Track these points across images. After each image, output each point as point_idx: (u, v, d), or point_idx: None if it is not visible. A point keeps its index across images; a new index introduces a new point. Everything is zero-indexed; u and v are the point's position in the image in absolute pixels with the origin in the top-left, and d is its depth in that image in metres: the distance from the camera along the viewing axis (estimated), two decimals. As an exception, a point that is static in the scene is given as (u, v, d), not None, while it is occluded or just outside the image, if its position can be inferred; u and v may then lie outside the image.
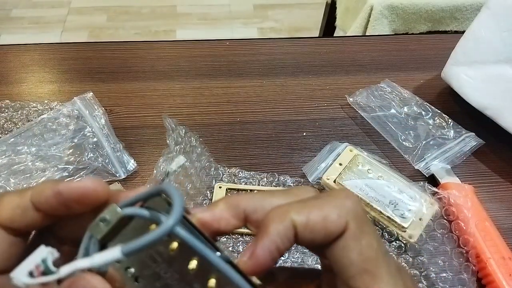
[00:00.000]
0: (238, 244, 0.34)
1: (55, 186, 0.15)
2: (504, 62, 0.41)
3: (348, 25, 0.93)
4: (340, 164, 0.37)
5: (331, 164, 0.37)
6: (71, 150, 0.39)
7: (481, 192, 0.38)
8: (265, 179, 0.39)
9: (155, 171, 0.36)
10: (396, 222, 0.34)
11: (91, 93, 0.43)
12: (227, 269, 0.14)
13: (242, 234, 0.35)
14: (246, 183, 0.38)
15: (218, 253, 0.14)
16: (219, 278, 0.14)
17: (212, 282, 0.14)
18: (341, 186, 0.36)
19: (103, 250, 0.14)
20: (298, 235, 0.15)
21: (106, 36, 1.59)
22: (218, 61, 0.52)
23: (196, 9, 1.74)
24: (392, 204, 0.34)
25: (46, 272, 0.14)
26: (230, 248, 0.34)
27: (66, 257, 0.16)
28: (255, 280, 0.14)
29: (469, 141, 0.41)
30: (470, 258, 0.33)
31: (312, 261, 0.33)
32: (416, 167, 0.40)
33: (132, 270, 0.15)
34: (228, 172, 0.39)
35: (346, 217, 0.15)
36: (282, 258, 0.33)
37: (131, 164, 0.38)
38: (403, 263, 0.33)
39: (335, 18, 1.02)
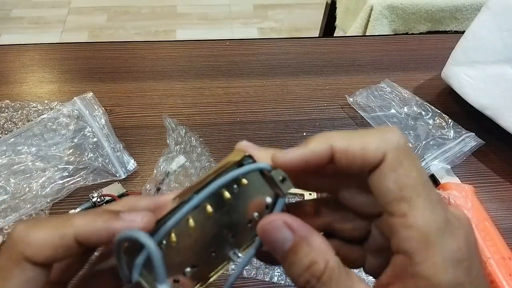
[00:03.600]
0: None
1: (110, 227, 0.15)
2: (504, 62, 0.41)
3: (348, 25, 0.93)
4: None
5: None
6: (71, 150, 0.39)
7: (481, 192, 0.38)
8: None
9: (155, 171, 0.36)
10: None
11: (91, 93, 0.43)
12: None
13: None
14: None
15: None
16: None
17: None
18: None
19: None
20: (336, 159, 0.16)
21: (106, 36, 1.59)
22: (218, 61, 0.52)
23: (196, 9, 1.74)
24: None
25: None
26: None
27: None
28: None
29: (469, 141, 0.41)
30: (470, 258, 0.33)
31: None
32: (416, 167, 0.40)
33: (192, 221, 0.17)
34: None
35: (385, 148, 0.15)
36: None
37: (131, 164, 0.38)
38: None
39: (335, 18, 1.02)
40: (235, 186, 0.17)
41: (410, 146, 0.17)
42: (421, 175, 0.15)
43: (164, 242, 0.17)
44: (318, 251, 0.16)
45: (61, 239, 0.15)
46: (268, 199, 0.18)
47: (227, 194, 0.17)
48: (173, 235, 0.17)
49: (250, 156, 0.17)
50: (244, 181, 0.17)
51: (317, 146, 0.16)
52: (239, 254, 0.18)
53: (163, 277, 0.15)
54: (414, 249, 0.15)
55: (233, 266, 0.30)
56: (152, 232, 0.16)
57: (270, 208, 0.18)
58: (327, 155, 0.16)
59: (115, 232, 0.15)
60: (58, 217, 0.16)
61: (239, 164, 0.17)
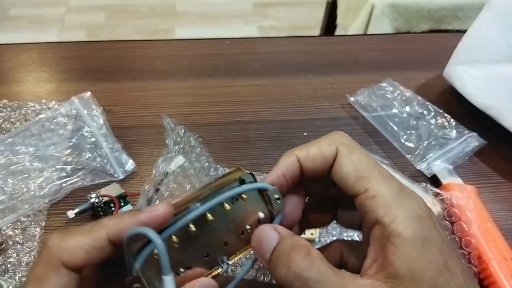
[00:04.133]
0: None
1: (137, 219, 0.17)
2: (507, 61, 0.41)
3: (349, 23, 0.93)
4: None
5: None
6: (69, 150, 0.38)
7: (483, 192, 0.38)
8: (265, 179, 0.38)
9: (154, 171, 0.36)
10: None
11: (89, 93, 0.43)
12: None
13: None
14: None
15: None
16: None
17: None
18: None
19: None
20: (302, 165, 0.20)
21: (105, 35, 1.58)
22: (218, 60, 0.52)
23: (195, 8, 1.73)
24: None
25: None
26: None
27: None
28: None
29: (471, 141, 0.41)
30: (472, 260, 0.32)
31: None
32: (418, 168, 0.39)
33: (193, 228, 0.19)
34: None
35: (336, 144, 0.20)
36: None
37: (130, 164, 0.38)
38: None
39: (336, 16, 1.02)
40: (236, 199, 0.19)
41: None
42: (370, 160, 0.19)
43: (165, 242, 0.18)
44: (301, 241, 0.18)
45: (94, 241, 0.17)
46: (261, 215, 0.20)
47: (227, 206, 0.19)
48: (174, 237, 0.18)
49: (252, 174, 0.20)
50: (244, 196, 0.20)
51: (287, 161, 0.20)
52: (228, 262, 0.20)
53: (168, 269, 0.16)
54: (382, 214, 0.17)
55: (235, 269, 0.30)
56: (159, 231, 0.17)
57: (261, 223, 0.20)
58: (296, 166, 0.20)
59: (142, 224, 0.17)
60: (88, 224, 0.18)
61: (241, 180, 0.20)
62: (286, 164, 0.20)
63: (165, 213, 0.17)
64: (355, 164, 0.19)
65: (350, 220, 0.22)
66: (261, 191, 0.20)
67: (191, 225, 0.18)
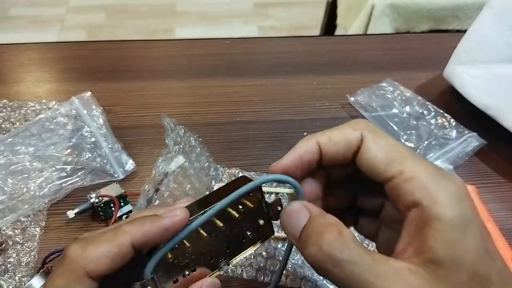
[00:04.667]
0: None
1: (158, 224, 0.17)
2: (507, 61, 0.41)
3: (349, 23, 0.92)
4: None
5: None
6: (69, 150, 0.38)
7: (483, 192, 0.38)
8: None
9: (153, 171, 0.36)
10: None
11: (89, 93, 0.43)
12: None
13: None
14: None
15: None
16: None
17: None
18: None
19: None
20: (323, 151, 0.19)
21: (105, 35, 1.58)
22: (218, 60, 0.52)
23: (195, 8, 1.73)
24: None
25: None
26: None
27: None
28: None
29: (472, 141, 0.41)
30: (472, 260, 0.32)
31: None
32: (418, 168, 0.39)
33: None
34: (228, 172, 0.39)
35: (361, 129, 0.18)
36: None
37: (130, 164, 0.38)
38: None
39: (336, 16, 1.02)
40: (240, 207, 0.20)
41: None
42: (399, 143, 0.18)
43: (176, 246, 0.19)
44: (332, 219, 0.17)
45: (119, 248, 0.16)
46: (261, 221, 0.20)
47: (234, 213, 0.20)
48: (186, 242, 0.19)
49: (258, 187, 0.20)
50: (250, 204, 0.20)
51: (305, 144, 0.19)
52: (229, 264, 0.21)
53: (149, 271, 0.17)
54: (420, 197, 0.16)
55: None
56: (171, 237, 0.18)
57: (261, 229, 0.21)
58: (315, 150, 0.19)
59: (164, 229, 0.17)
60: (109, 230, 0.18)
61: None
62: (305, 146, 0.19)
63: (184, 218, 0.18)
64: (385, 148, 0.17)
65: (370, 224, 0.21)
66: (262, 200, 0.20)
67: (200, 229, 0.19)
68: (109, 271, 0.16)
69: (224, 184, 0.22)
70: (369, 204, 0.21)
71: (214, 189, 0.37)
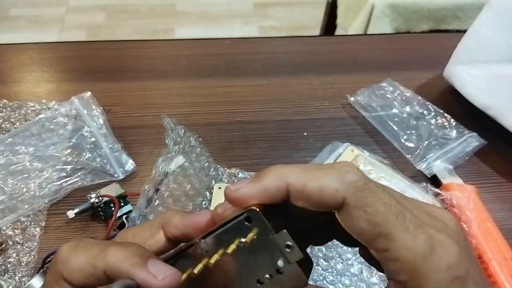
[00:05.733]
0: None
1: (131, 275, 0.15)
2: (507, 61, 0.41)
3: (349, 23, 0.92)
4: (341, 165, 0.37)
5: (332, 165, 0.37)
6: (69, 150, 0.38)
7: (483, 192, 0.38)
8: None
9: (153, 172, 0.36)
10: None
11: (89, 93, 0.43)
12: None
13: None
14: (246, 184, 0.38)
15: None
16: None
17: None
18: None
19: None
20: (292, 197, 0.16)
21: (105, 35, 1.58)
22: (218, 60, 0.52)
23: (195, 8, 1.73)
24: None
25: None
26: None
27: None
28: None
29: (472, 141, 0.41)
30: (472, 260, 0.32)
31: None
32: (418, 168, 0.39)
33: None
34: (228, 172, 0.39)
35: (344, 191, 0.15)
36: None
37: (130, 164, 0.38)
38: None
39: (336, 16, 1.02)
40: (242, 240, 0.17)
41: (368, 177, 0.16)
42: (389, 206, 0.15)
43: (184, 275, 0.16)
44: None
45: (93, 268, 0.16)
46: (280, 263, 0.17)
47: (230, 249, 0.17)
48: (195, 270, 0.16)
49: (260, 211, 0.16)
50: (256, 241, 0.17)
51: (271, 182, 0.16)
52: None
53: None
54: (405, 280, 0.15)
55: None
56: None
57: (283, 273, 0.17)
58: (282, 193, 0.16)
59: (135, 279, 0.15)
60: (98, 243, 0.16)
61: (247, 218, 0.16)
62: (269, 186, 0.16)
63: (165, 286, 0.15)
64: (371, 219, 0.15)
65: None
66: (271, 239, 0.16)
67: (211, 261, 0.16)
68: (86, 286, 0.16)
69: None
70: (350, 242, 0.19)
71: (214, 189, 0.37)
